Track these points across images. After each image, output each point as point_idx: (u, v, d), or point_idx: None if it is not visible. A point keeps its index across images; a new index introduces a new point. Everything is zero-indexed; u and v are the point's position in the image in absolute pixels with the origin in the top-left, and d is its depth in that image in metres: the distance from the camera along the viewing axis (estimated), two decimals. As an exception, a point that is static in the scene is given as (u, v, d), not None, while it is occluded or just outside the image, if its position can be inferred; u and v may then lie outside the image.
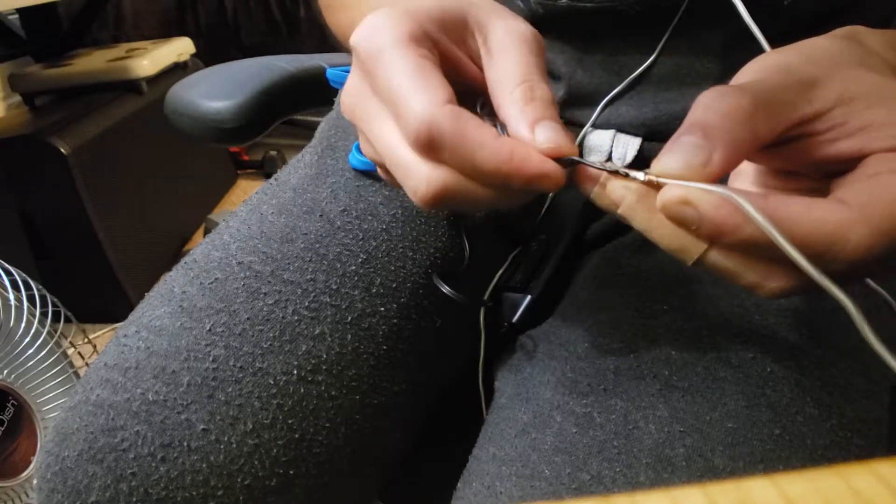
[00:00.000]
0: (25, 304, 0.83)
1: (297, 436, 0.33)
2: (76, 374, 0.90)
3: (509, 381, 0.38)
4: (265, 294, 0.35)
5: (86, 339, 0.98)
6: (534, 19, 0.46)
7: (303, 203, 0.40)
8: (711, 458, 0.29)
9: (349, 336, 0.36)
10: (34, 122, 1.36)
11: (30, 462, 0.80)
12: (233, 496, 0.31)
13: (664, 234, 0.25)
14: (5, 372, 0.80)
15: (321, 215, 0.39)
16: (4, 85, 1.51)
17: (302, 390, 0.34)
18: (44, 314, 0.85)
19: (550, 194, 0.48)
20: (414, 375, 0.39)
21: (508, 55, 0.28)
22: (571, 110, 0.49)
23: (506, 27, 0.29)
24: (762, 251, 0.23)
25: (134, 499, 0.30)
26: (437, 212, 0.41)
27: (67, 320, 0.89)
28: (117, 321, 1.38)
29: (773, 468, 0.29)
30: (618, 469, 0.29)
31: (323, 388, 0.34)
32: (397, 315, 0.38)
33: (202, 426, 0.31)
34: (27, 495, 0.79)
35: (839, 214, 0.22)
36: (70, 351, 0.91)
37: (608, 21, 0.44)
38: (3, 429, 0.78)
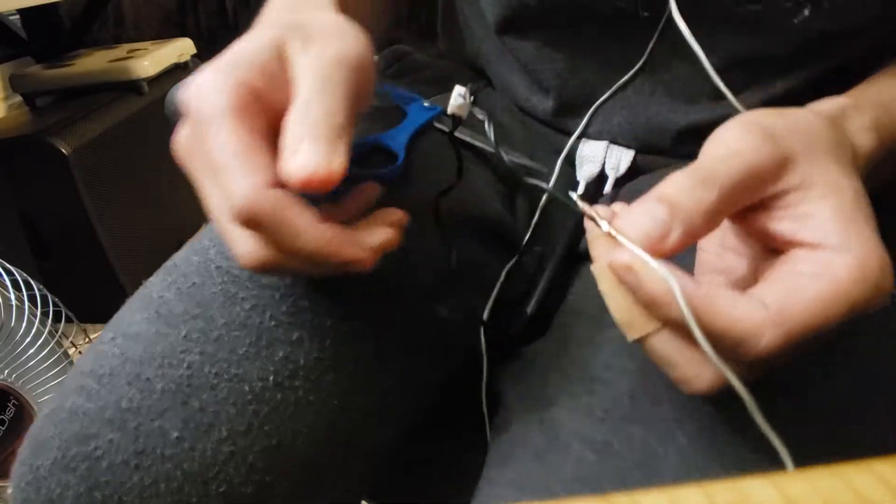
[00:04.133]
0: (26, 303, 0.83)
1: (274, 442, 0.32)
2: (77, 374, 0.90)
3: (518, 397, 0.37)
4: (242, 299, 0.34)
5: (86, 339, 0.98)
6: (532, 23, 0.46)
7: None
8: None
9: (328, 341, 0.35)
10: (35, 122, 1.36)
11: (30, 462, 0.80)
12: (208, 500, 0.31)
13: (617, 302, 0.27)
14: (6, 372, 0.80)
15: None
16: (5, 85, 1.51)
17: (279, 396, 0.33)
18: (44, 314, 0.85)
19: (540, 204, 0.48)
20: (400, 375, 0.38)
21: (302, 77, 0.29)
22: (564, 120, 0.49)
23: (310, 51, 0.29)
24: (693, 340, 0.25)
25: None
26: (423, 216, 0.40)
27: (68, 320, 0.89)
28: (118, 321, 1.38)
29: None
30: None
31: (301, 393, 0.33)
32: (379, 315, 0.37)
33: (176, 433, 0.31)
34: None
35: (756, 316, 0.24)
36: (71, 350, 0.91)
37: (601, 27, 0.44)
38: (3, 428, 0.78)
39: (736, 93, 0.41)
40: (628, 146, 0.48)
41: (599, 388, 0.34)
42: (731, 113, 0.42)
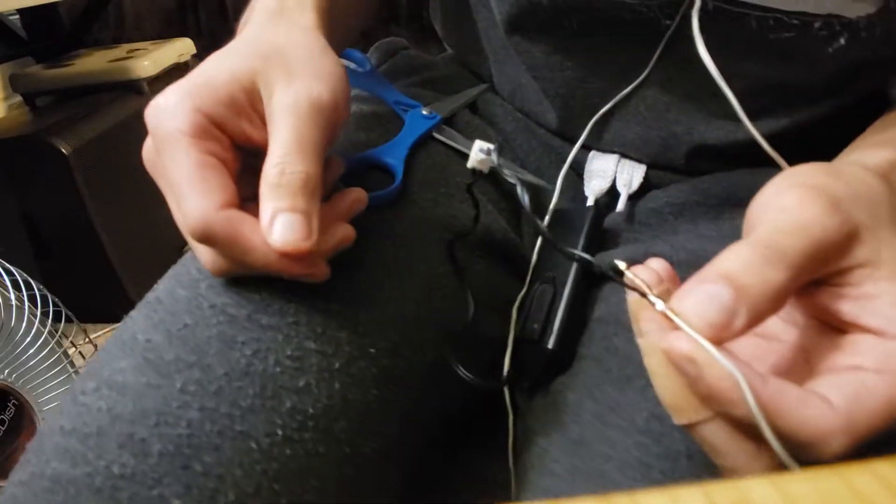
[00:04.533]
0: (26, 303, 0.83)
1: (284, 501, 0.30)
2: (77, 373, 0.90)
3: (559, 447, 0.35)
4: (242, 343, 0.31)
5: (87, 339, 0.98)
6: (542, 25, 0.44)
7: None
8: None
9: (337, 385, 0.32)
10: (35, 122, 1.36)
11: (30, 462, 0.80)
12: None
13: (665, 383, 0.25)
14: (6, 372, 0.80)
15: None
16: (5, 85, 1.51)
17: (288, 451, 0.30)
18: (45, 314, 0.85)
19: (546, 216, 0.45)
20: (406, 415, 0.36)
21: (277, 128, 0.29)
22: (571, 130, 0.48)
23: (285, 94, 0.30)
24: (748, 431, 0.23)
25: None
26: (427, 236, 0.39)
27: (68, 320, 0.89)
28: (118, 321, 1.37)
29: None
30: None
31: (310, 445, 0.31)
32: (387, 355, 0.34)
33: (177, 502, 0.27)
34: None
35: (826, 421, 0.22)
36: (71, 351, 0.91)
37: (615, 35, 0.42)
38: (3, 428, 0.78)
39: (759, 116, 0.40)
40: (640, 160, 0.46)
41: (650, 442, 0.32)
42: (749, 136, 0.40)
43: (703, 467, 0.30)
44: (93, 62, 1.51)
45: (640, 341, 0.25)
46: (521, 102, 0.50)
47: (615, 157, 0.47)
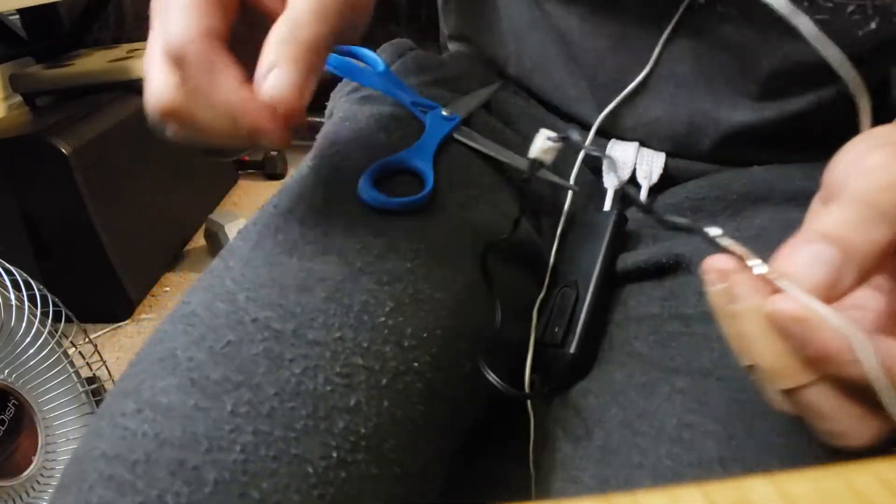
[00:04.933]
0: (26, 303, 0.83)
1: None
2: (77, 373, 0.90)
3: (584, 455, 0.35)
4: (290, 361, 0.30)
5: (86, 339, 0.98)
6: None
7: (314, 240, 0.35)
8: None
9: (385, 402, 0.31)
10: (35, 122, 1.36)
11: (31, 462, 0.80)
12: None
13: (766, 348, 0.24)
14: (6, 372, 0.80)
15: (338, 255, 0.34)
16: (5, 85, 1.51)
17: (343, 475, 0.29)
18: (44, 314, 0.85)
19: (564, 214, 0.45)
20: (446, 428, 0.35)
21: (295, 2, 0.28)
22: (596, 106, 0.47)
23: None
24: (856, 392, 0.22)
25: None
26: (458, 243, 0.38)
27: (68, 320, 0.89)
28: (118, 321, 1.38)
29: None
30: None
31: (363, 467, 0.29)
32: (431, 368, 0.33)
33: None
34: (27, 494, 0.79)
35: None
36: (71, 351, 0.91)
37: (649, 6, 0.42)
38: (3, 428, 0.78)
39: (784, 96, 0.40)
40: (661, 147, 0.46)
41: (681, 451, 0.31)
42: (777, 116, 0.41)
43: (738, 473, 0.30)
44: (93, 62, 1.52)
45: (733, 307, 0.24)
46: (542, 81, 0.50)
47: (634, 145, 0.46)
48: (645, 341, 0.37)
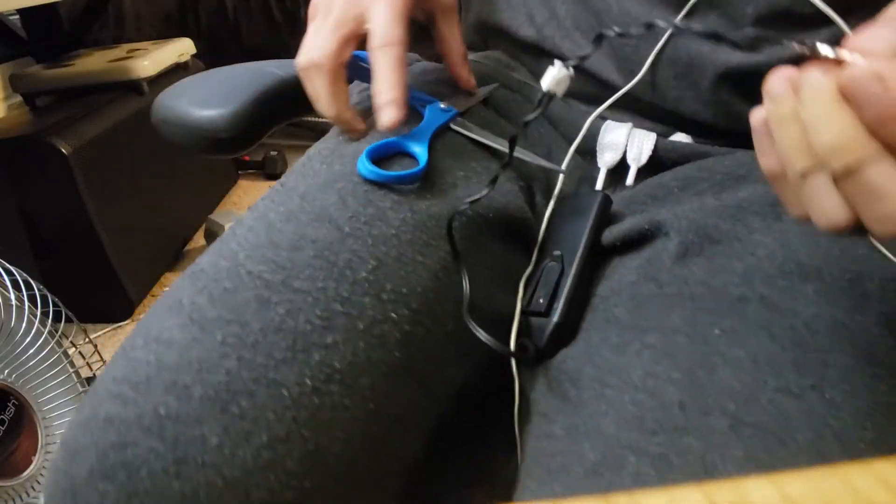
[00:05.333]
0: (26, 303, 0.83)
1: (311, 448, 0.32)
2: (77, 373, 0.90)
3: (557, 409, 0.37)
4: (276, 303, 0.34)
5: (86, 339, 0.99)
6: None
7: (311, 210, 0.39)
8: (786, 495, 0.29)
9: (361, 344, 0.35)
10: (35, 122, 1.36)
11: (31, 462, 0.80)
12: None
13: (833, 123, 0.25)
14: (6, 372, 0.80)
15: (329, 222, 0.39)
16: (5, 85, 1.51)
17: (316, 401, 0.33)
18: (45, 314, 0.85)
19: (554, 195, 0.48)
20: (427, 382, 0.38)
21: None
22: (603, 55, 0.50)
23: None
24: None
25: None
26: (446, 214, 0.41)
27: (68, 320, 0.89)
28: (118, 321, 1.38)
29: None
30: None
31: (337, 398, 0.33)
32: (409, 321, 0.37)
33: (216, 440, 0.30)
34: (28, 494, 0.79)
35: None
36: (71, 351, 0.91)
37: None
38: (3, 428, 0.78)
39: (778, 40, 0.43)
40: (666, 88, 0.48)
41: (645, 397, 0.33)
42: (769, 60, 0.44)
43: (696, 416, 0.32)
44: (93, 62, 1.52)
45: (803, 93, 0.27)
46: (552, 33, 0.53)
47: (627, 127, 0.49)
48: (623, 308, 0.39)
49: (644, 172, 0.49)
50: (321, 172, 0.43)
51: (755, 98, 0.47)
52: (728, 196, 0.43)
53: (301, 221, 0.39)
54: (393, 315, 0.36)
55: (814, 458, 0.30)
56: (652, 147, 0.48)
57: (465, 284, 0.39)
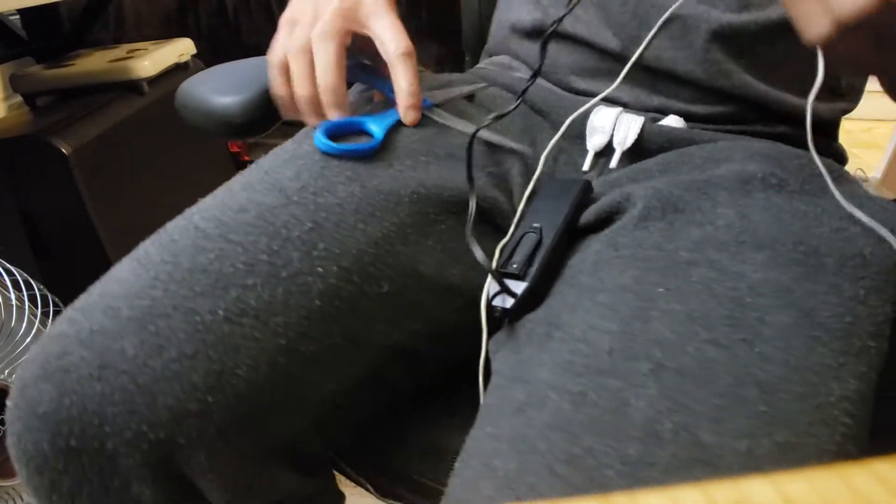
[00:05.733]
0: (26, 303, 0.83)
1: (216, 367, 0.37)
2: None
3: (508, 364, 0.39)
4: (209, 251, 0.40)
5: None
6: None
7: (267, 181, 0.44)
8: (697, 434, 0.31)
9: (280, 289, 0.39)
10: (35, 122, 1.36)
11: (30, 462, 0.80)
12: (155, 413, 0.36)
13: None
14: (6, 372, 0.80)
15: (280, 190, 0.43)
16: (5, 85, 1.51)
17: (226, 329, 0.38)
18: (45, 314, 0.85)
19: (533, 180, 0.50)
20: (352, 333, 0.42)
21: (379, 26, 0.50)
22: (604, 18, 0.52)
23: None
24: None
25: (74, 411, 0.35)
26: (398, 191, 0.44)
27: (68, 320, 0.89)
28: (118, 321, 1.38)
29: (757, 444, 0.30)
30: (609, 443, 0.31)
31: (247, 329, 0.38)
32: (336, 276, 0.41)
33: (132, 352, 0.36)
34: (28, 494, 0.79)
35: None
36: (71, 351, 0.91)
37: None
38: (4, 428, 0.78)
39: (768, 4, 0.46)
40: (659, 63, 0.50)
41: (582, 346, 0.36)
42: (757, 20, 0.48)
43: (622, 360, 0.34)
44: (93, 62, 1.51)
45: None
46: (557, 12, 0.55)
47: (616, 111, 0.51)
48: (585, 273, 0.41)
49: (629, 157, 0.51)
50: (289, 150, 0.48)
51: (744, 56, 0.49)
52: (701, 174, 0.44)
53: (255, 189, 0.43)
54: (319, 269, 0.40)
55: (732, 402, 0.31)
56: (638, 131, 0.50)
57: (472, 203, 0.44)
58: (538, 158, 0.52)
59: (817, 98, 0.51)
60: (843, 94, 0.54)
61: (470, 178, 0.46)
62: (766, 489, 0.17)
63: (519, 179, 0.52)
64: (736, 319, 0.34)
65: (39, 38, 1.65)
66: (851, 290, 0.36)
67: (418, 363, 0.47)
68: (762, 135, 0.50)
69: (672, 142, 0.50)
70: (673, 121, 0.51)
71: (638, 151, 0.50)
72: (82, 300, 0.40)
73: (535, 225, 0.45)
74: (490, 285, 0.42)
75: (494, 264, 0.43)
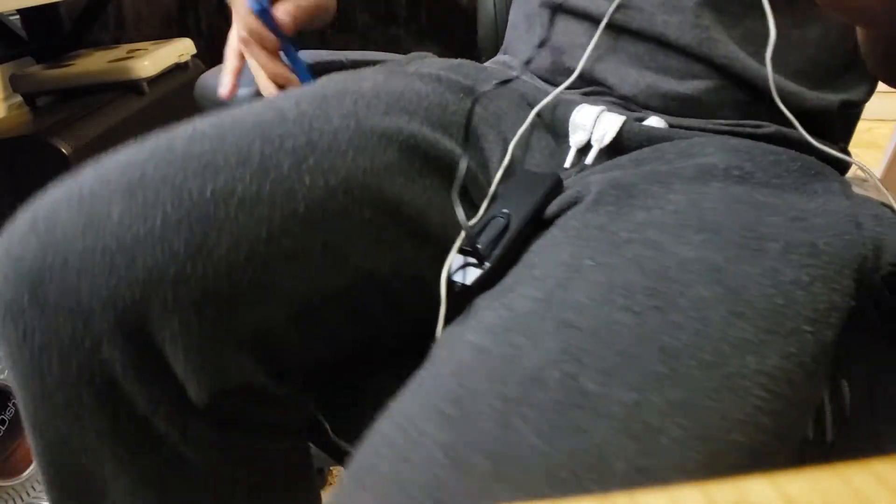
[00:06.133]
0: (26, 304, 0.83)
1: (198, 240, 0.39)
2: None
3: (446, 335, 0.41)
4: (204, 144, 0.42)
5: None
6: None
7: (268, 105, 0.47)
8: (582, 382, 0.31)
9: (268, 187, 0.41)
10: (35, 122, 1.36)
11: (31, 462, 0.80)
12: (133, 273, 0.38)
13: None
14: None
15: (279, 112, 0.45)
16: (5, 85, 1.51)
17: (211, 208, 0.39)
18: (45, 314, 0.85)
19: (503, 166, 0.52)
20: (332, 246, 0.44)
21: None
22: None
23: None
24: None
25: (55, 264, 0.38)
26: (394, 133, 0.47)
27: (68, 320, 0.89)
28: (118, 321, 1.38)
29: (646, 398, 0.31)
30: (493, 385, 0.32)
31: (232, 212, 0.40)
32: (322, 190, 0.43)
33: (118, 216, 0.38)
34: (28, 494, 0.79)
35: None
36: (71, 351, 0.91)
37: None
38: (4, 428, 0.78)
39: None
40: (651, 28, 0.51)
41: (504, 311, 0.37)
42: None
43: (534, 321, 0.35)
44: (93, 62, 1.52)
45: None
46: None
47: (599, 108, 0.52)
48: (534, 253, 0.42)
49: (608, 155, 0.51)
50: (291, 91, 0.51)
51: (736, 28, 0.50)
52: (666, 166, 0.45)
53: (255, 109, 0.46)
54: (307, 180, 0.42)
55: (627, 360, 0.32)
56: (617, 129, 0.50)
57: (463, 164, 0.47)
58: (518, 147, 0.53)
59: (803, 83, 0.52)
60: (839, 81, 0.53)
61: (466, 139, 0.47)
62: (767, 489, 0.17)
63: (496, 165, 0.53)
64: (655, 290, 0.34)
65: (39, 38, 1.65)
66: (792, 275, 0.36)
67: (390, 298, 0.49)
68: (750, 136, 0.50)
69: (651, 140, 0.50)
70: (654, 121, 0.51)
71: (618, 150, 0.51)
72: (78, 171, 0.42)
73: (505, 211, 0.46)
74: (453, 261, 0.43)
75: (459, 242, 0.44)
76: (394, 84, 0.50)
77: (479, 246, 0.43)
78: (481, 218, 0.46)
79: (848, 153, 0.54)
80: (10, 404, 0.80)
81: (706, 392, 0.31)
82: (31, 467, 0.80)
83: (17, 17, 1.63)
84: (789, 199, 0.41)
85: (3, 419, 0.79)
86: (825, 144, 0.50)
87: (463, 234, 0.44)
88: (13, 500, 0.77)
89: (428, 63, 0.58)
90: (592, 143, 0.51)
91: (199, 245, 0.38)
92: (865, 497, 0.17)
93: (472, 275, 0.42)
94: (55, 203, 0.39)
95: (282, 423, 0.49)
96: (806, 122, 0.49)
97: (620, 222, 0.39)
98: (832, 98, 0.53)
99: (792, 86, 0.51)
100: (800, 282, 0.36)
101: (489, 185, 0.52)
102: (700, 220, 0.38)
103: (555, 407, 0.30)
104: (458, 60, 0.60)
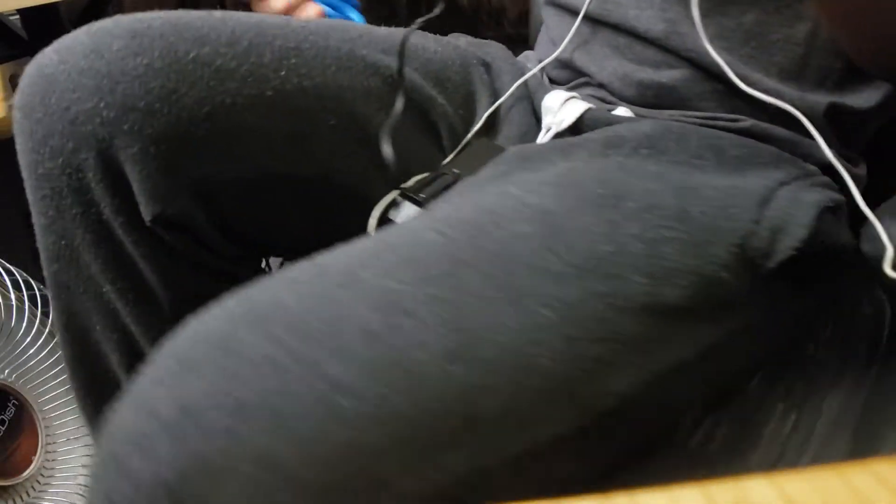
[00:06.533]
0: (26, 303, 0.83)
1: (171, 86, 0.45)
2: (77, 373, 0.90)
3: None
4: (205, 20, 0.48)
5: (86, 339, 0.98)
6: None
7: (280, 16, 0.53)
8: (360, 273, 0.33)
9: (244, 67, 0.47)
10: (35, 122, 1.36)
11: (31, 462, 0.80)
12: (113, 97, 0.44)
13: None
14: (6, 371, 0.80)
15: (286, 20, 0.51)
16: (5, 85, 1.51)
17: (190, 67, 0.45)
18: (45, 314, 0.85)
19: (475, 128, 0.56)
20: (295, 133, 0.49)
21: None
22: None
23: None
24: None
25: (62, 75, 0.45)
26: (381, 69, 0.52)
27: (68, 320, 0.89)
28: (118, 321, 1.37)
29: (408, 290, 0.32)
30: (317, 279, 0.34)
31: (205, 77, 0.45)
32: (295, 87, 0.48)
33: (116, 49, 0.44)
34: (28, 494, 0.79)
35: None
36: (71, 351, 0.90)
37: None
38: (3, 428, 0.78)
39: None
40: (625, 21, 0.53)
41: (370, 241, 0.38)
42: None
43: (368, 241, 0.37)
44: (93, 62, 1.51)
45: None
46: None
47: (566, 95, 0.54)
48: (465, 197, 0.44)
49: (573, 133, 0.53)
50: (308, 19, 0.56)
51: (700, 16, 0.50)
52: (580, 140, 0.47)
53: (266, 14, 0.52)
54: (282, 73, 0.48)
55: (408, 265, 0.33)
56: (577, 115, 0.52)
57: (400, 102, 0.49)
58: (501, 119, 0.58)
59: (788, 83, 0.50)
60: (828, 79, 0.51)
61: (400, 73, 0.51)
62: (767, 489, 0.17)
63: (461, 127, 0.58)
64: (476, 222, 0.36)
65: (39, 38, 1.64)
66: (636, 230, 0.36)
67: (341, 206, 0.53)
68: (725, 129, 0.50)
69: (610, 125, 0.51)
70: (621, 111, 0.52)
71: (573, 132, 0.53)
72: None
73: (456, 171, 0.51)
74: (391, 201, 0.49)
75: (409, 183, 0.50)
76: (409, 38, 0.54)
77: (422, 195, 0.48)
78: (433, 174, 0.51)
79: (851, 161, 0.52)
80: (10, 404, 0.80)
81: (477, 296, 0.32)
82: (31, 467, 0.80)
83: (17, 17, 1.63)
84: (697, 176, 0.41)
85: (3, 419, 0.79)
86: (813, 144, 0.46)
87: (414, 179, 0.49)
88: (13, 500, 0.77)
89: (456, 36, 0.63)
90: (551, 125, 0.53)
91: (171, 91, 0.45)
92: (865, 497, 0.17)
93: (404, 217, 0.47)
94: (78, 34, 0.46)
95: (227, 271, 0.55)
96: (786, 121, 0.47)
97: (503, 182, 0.40)
98: (819, 100, 0.50)
99: (770, 83, 0.49)
100: (643, 237, 0.36)
101: (467, 128, 0.57)
102: (567, 179, 0.39)
103: (324, 283, 0.32)
104: (489, 41, 0.64)
